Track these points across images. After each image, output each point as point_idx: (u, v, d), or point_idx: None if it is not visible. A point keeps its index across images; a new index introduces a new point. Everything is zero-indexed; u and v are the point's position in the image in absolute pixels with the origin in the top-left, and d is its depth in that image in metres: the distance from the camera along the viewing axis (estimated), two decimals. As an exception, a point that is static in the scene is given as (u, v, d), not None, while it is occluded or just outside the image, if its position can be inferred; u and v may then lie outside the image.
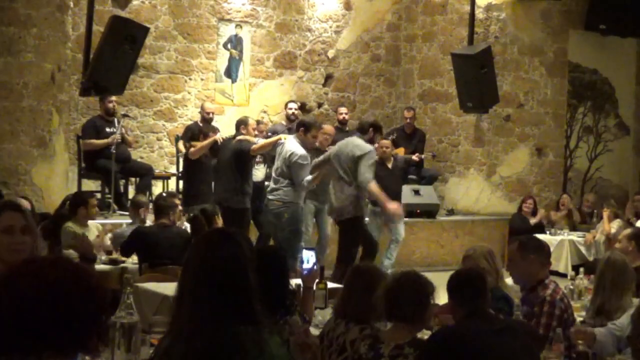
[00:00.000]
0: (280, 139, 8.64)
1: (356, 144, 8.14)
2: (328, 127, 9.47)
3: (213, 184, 9.28)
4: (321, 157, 8.54)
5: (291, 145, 8.29)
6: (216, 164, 9.16)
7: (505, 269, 5.10)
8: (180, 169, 10.54)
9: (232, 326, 2.50)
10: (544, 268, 4.80)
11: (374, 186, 8.05)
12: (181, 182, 10.31)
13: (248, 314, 2.54)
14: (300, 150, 8.23)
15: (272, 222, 8.45)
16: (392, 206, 8.34)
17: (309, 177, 8.28)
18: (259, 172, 9.56)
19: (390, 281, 3.76)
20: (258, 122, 10.11)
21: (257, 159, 9.43)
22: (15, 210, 3.13)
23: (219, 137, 9.13)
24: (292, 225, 8.31)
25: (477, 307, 3.75)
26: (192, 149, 9.45)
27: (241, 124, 9.04)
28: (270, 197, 8.41)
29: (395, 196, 9.10)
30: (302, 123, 8.57)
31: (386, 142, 9.63)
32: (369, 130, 8.34)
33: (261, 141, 8.91)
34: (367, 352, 3.68)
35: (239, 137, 8.84)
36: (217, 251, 2.62)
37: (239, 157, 8.70)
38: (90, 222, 7.51)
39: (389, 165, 9.62)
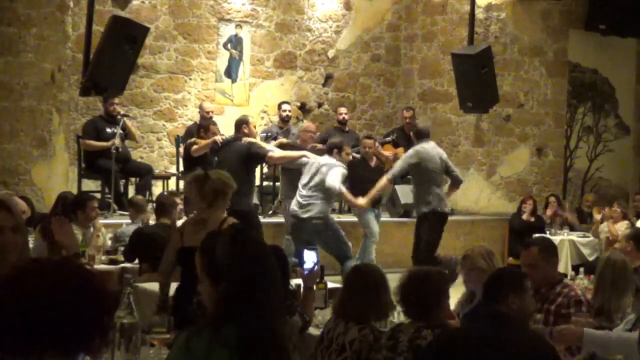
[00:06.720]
0: (306, 156, 8.63)
1: None
2: (310, 125, 9.56)
3: None
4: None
5: (326, 160, 8.49)
6: (217, 165, 9.04)
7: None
8: (181, 168, 10.52)
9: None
10: (557, 267, 4.93)
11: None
12: (182, 182, 10.26)
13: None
14: (339, 163, 8.50)
15: (310, 239, 8.35)
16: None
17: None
18: None
19: (401, 279, 3.85)
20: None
21: None
22: (4, 209, 3.10)
23: (218, 138, 9.07)
24: (335, 236, 8.43)
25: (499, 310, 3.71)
26: (194, 147, 9.41)
27: (242, 123, 8.95)
28: (304, 216, 8.39)
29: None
30: (333, 145, 8.72)
31: (369, 142, 9.98)
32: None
33: (279, 151, 8.74)
34: (386, 341, 3.73)
35: (249, 140, 8.41)
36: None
37: (250, 160, 8.41)
38: (97, 223, 7.48)
39: (372, 164, 9.86)
